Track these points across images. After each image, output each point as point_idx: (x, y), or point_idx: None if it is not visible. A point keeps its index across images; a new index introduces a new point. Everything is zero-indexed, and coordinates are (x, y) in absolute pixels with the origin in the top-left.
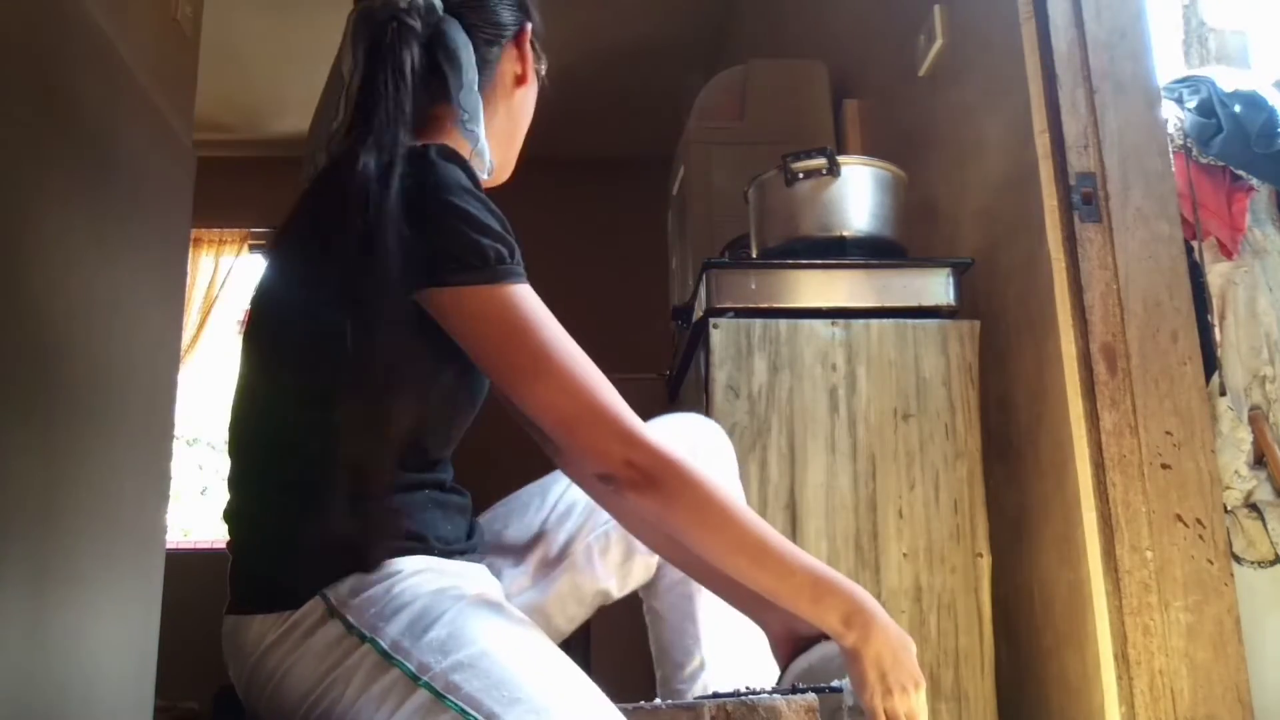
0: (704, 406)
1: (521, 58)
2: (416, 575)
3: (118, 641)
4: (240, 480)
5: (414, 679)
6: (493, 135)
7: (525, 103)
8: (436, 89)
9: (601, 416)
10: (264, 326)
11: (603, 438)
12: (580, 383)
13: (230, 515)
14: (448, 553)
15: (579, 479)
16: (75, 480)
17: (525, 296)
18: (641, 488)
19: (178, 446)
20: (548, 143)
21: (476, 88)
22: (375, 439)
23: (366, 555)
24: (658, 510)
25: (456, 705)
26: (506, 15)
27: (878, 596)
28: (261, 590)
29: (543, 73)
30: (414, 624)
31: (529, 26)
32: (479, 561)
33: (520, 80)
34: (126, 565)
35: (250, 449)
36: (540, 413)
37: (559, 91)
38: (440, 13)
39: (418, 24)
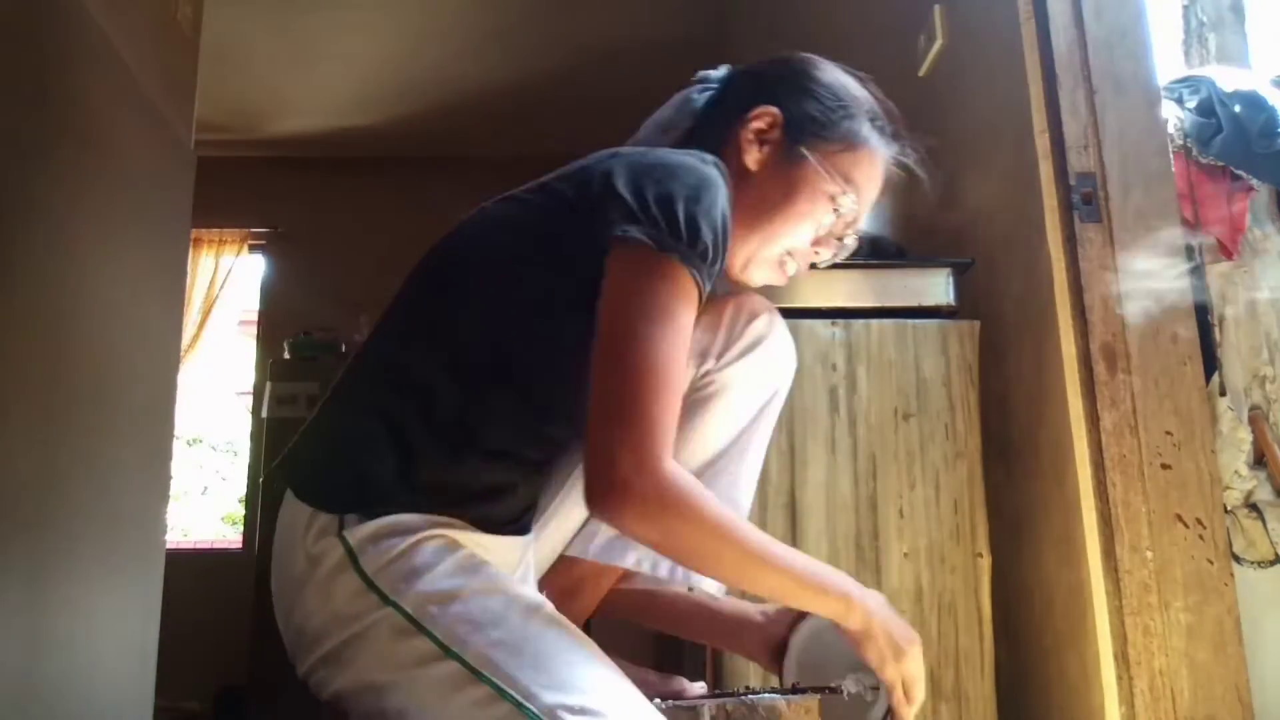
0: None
1: (755, 143)
2: (443, 541)
3: (118, 641)
4: (341, 391)
5: (443, 649)
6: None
7: (750, 196)
8: None
9: (640, 425)
10: (456, 258)
11: (625, 442)
12: (649, 385)
13: (317, 416)
14: (487, 527)
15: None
16: (75, 480)
17: (684, 289)
18: (636, 519)
19: (178, 446)
20: (547, 142)
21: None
22: (495, 392)
23: (397, 502)
24: (655, 540)
25: (492, 681)
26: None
27: None
28: (307, 476)
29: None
30: (438, 590)
31: (769, 107)
32: (524, 534)
33: (746, 170)
34: (126, 565)
35: (369, 367)
36: (598, 385)
37: (559, 91)
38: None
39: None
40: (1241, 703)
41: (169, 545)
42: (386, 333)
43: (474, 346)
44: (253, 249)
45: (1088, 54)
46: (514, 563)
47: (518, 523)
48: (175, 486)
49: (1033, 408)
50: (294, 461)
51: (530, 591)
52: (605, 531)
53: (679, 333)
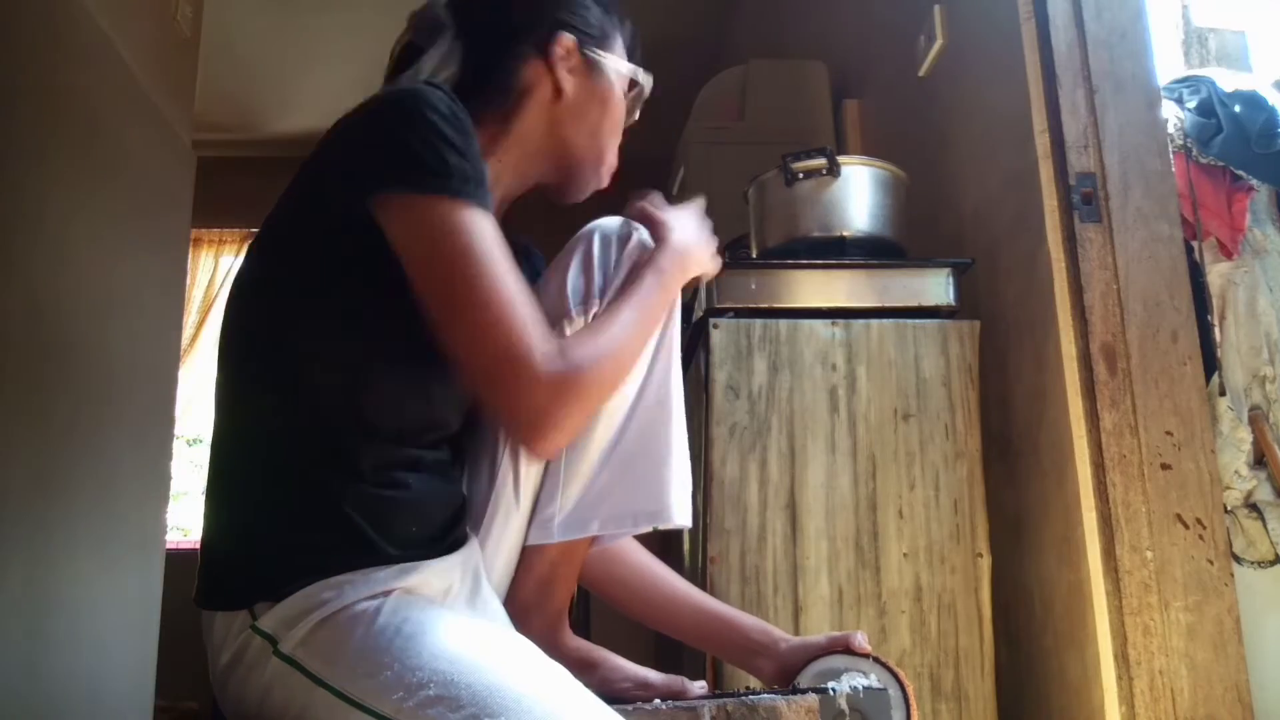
0: (704, 407)
1: (564, 71)
2: (360, 601)
3: (118, 641)
4: (207, 488)
5: None
6: (524, 151)
7: (571, 122)
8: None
9: (498, 345)
10: (231, 319)
11: (497, 372)
12: (494, 312)
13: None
14: (408, 556)
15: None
16: (75, 480)
17: (471, 218)
18: (557, 416)
19: (178, 446)
20: None
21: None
22: (351, 409)
23: (298, 572)
24: (585, 416)
25: None
26: (518, 18)
27: (878, 597)
28: (207, 583)
29: (618, 83)
30: (365, 660)
31: (562, 35)
32: (456, 550)
33: (557, 98)
34: (126, 565)
35: (218, 445)
36: (462, 352)
37: None
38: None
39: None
40: (1241, 703)
41: (169, 545)
42: (226, 396)
43: (311, 378)
44: None
45: (1088, 54)
46: (449, 583)
47: (447, 537)
48: (175, 486)
49: (1033, 408)
50: (197, 577)
51: (464, 623)
52: (562, 509)
53: (494, 257)
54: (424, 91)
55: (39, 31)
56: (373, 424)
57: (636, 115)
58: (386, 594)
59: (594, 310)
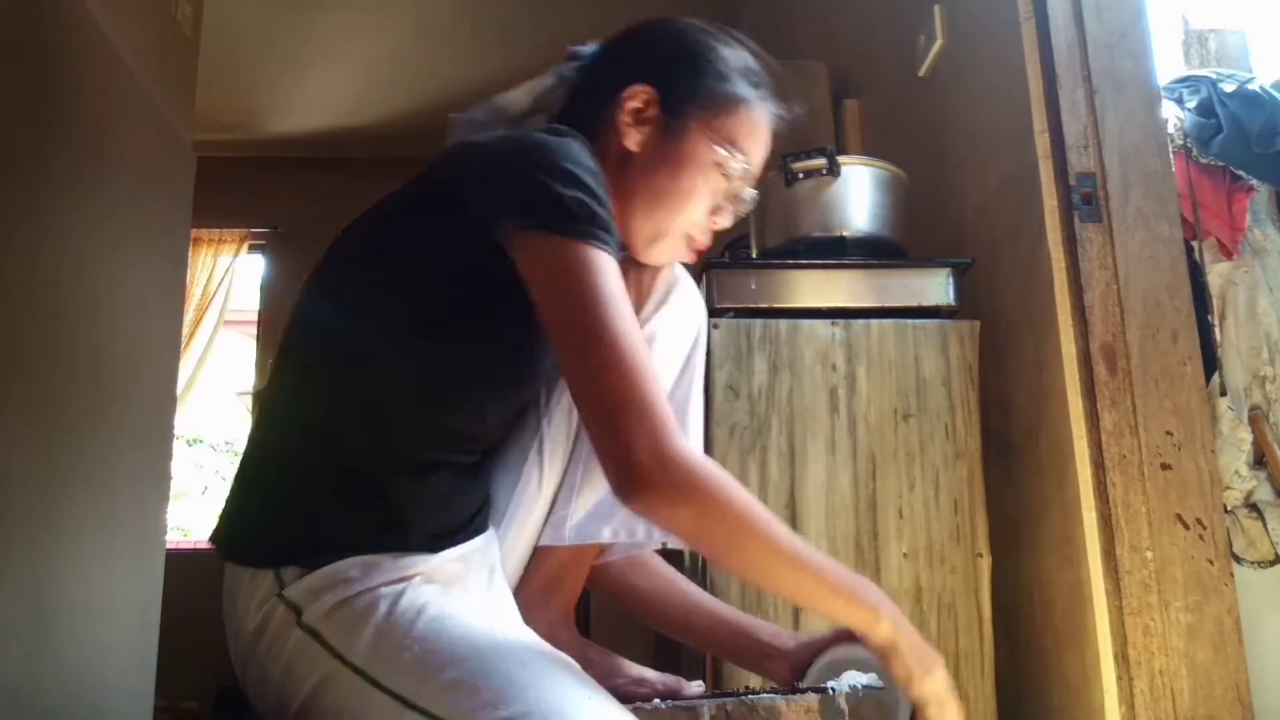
0: (704, 407)
1: (633, 125)
2: (385, 584)
3: (118, 641)
4: (255, 439)
5: (403, 703)
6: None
7: (638, 179)
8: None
9: (643, 412)
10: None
11: (637, 436)
12: (633, 372)
13: (238, 470)
14: (434, 547)
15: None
16: (75, 480)
17: (608, 266)
18: (669, 502)
19: (178, 446)
20: None
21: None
22: (407, 408)
23: (328, 549)
24: (687, 526)
25: None
26: (626, 67)
27: None
28: (237, 537)
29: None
30: (384, 640)
31: (637, 85)
32: (477, 537)
33: (628, 151)
34: (126, 565)
35: (271, 414)
36: (583, 389)
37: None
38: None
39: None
40: (1241, 703)
41: (169, 545)
42: (287, 371)
43: (375, 371)
44: (252, 249)
45: (1088, 54)
46: (468, 571)
47: (467, 529)
48: (175, 486)
49: (1033, 408)
50: (223, 524)
51: (484, 607)
52: (576, 513)
53: (624, 306)
54: (563, 140)
55: (39, 31)
56: (429, 429)
57: (728, 214)
58: (410, 578)
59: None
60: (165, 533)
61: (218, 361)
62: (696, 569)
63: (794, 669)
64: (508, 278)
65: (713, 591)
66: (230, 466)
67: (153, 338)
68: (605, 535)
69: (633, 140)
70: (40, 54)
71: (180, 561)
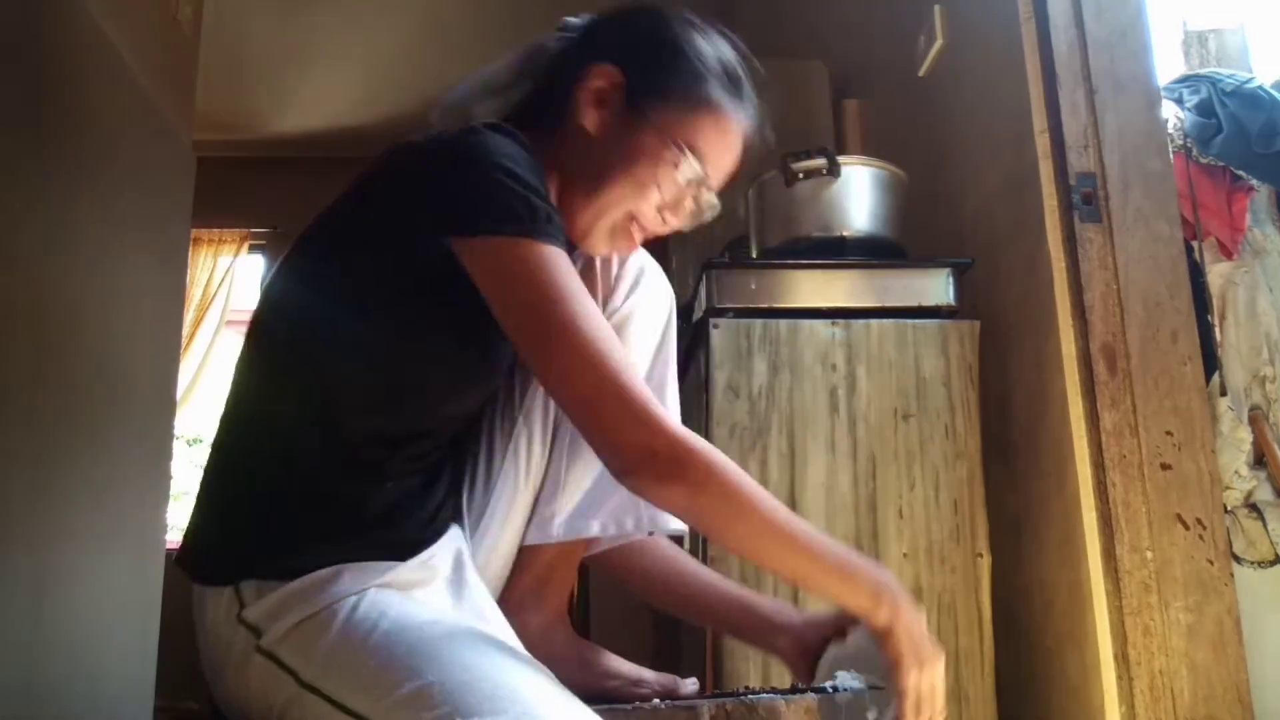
0: (704, 407)
1: (592, 104)
2: (344, 596)
3: (118, 641)
4: (211, 457)
5: None
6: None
7: (586, 160)
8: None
9: (623, 397)
10: (277, 303)
11: (623, 420)
12: (604, 360)
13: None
14: (394, 554)
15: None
16: (75, 480)
17: (558, 260)
18: (664, 478)
19: (178, 446)
20: None
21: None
22: (355, 412)
23: (284, 560)
24: (682, 502)
25: None
26: (584, 50)
27: None
28: (195, 554)
29: (685, 178)
30: (340, 657)
31: (605, 66)
32: (438, 539)
33: (584, 130)
34: (126, 565)
35: (226, 422)
36: (558, 386)
37: None
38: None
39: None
40: (1241, 703)
41: (169, 545)
42: (240, 386)
43: (322, 377)
44: (252, 249)
45: (1088, 54)
46: (432, 576)
47: (425, 533)
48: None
49: (1033, 408)
50: (186, 541)
51: (443, 615)
52: (562, 510)
53: (583, 297)
54: (492, 138)
55: (39, 32)
56: (382, 432)
57: (681, 216)
58: (365, 590)
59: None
60: (165, 533)
61: (219, 362)
62: (698, 547)
63: (799, 645)
64: (457, 276)
65: (714, 569)
66: None
67: (152, 338)
68: (594, 529)
69: (589, 119)
70: (40, 54)
71: None
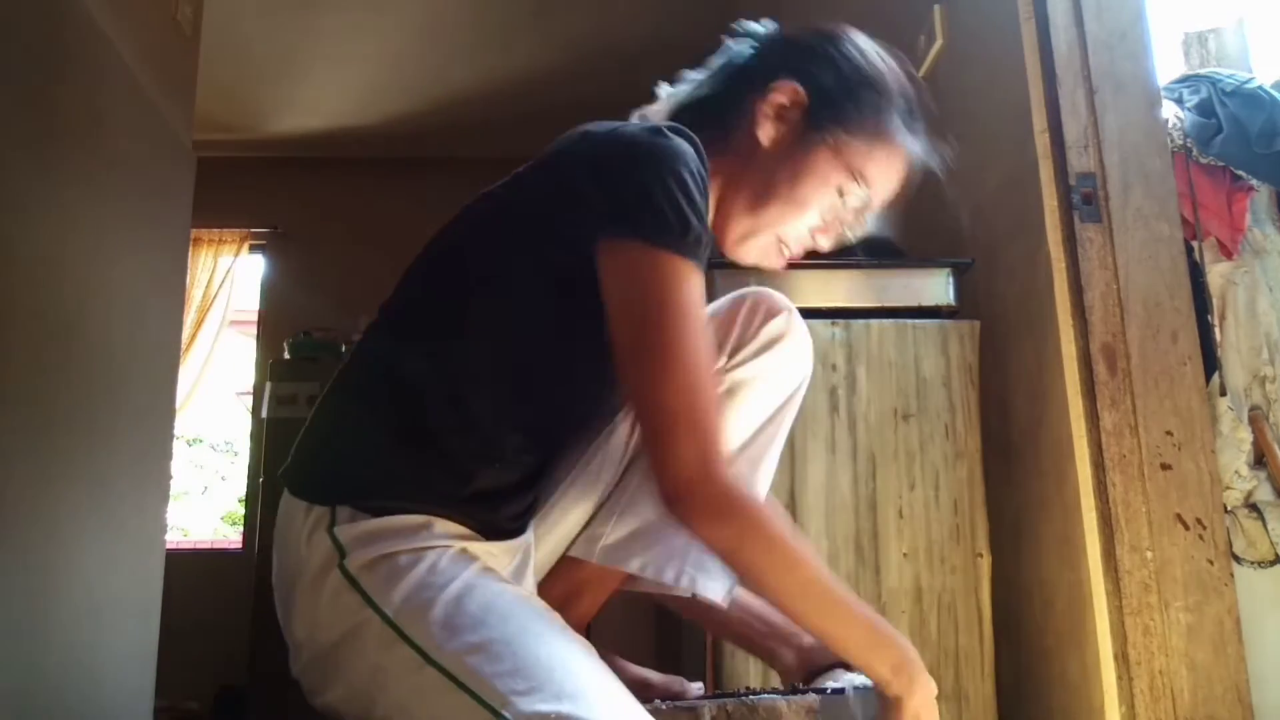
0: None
1: (771, 118)
2: (431, 543)
3: (118, 641)
4: (337, 386)
5: (423, 657)
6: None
7: (755, 172)
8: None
9: (695, 427)
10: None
11: (687, 448)
12: (693, 385)
13: (314, 411)
14: (485, 533)
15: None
16: (75, 480)
17: (691, 280)
18: (711, 515)
19: (178, 446)
20: (547, 143)
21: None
22: (490, 387)
23: (385, 500)
24: (727, 545)
25: (469, 689)
26: (774, 60)
27: (877, 597)
28: (300, 471)
29: (851, 202)
30: (418, 595)
31: (792, 84)
32: (519, 535)
33: (757, 142)
34: (126, 565)
35: (365, 363)
36: (640, 393)
37: (559, 91)
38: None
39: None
40: (1241, 703)
41: (169, 545)
42: (382, 329)
43: (468, 344)
44: (253, 249)
45: (1088, 54)
46: (507, 562)
47: (515, 525)
48: (175, 486)
49: (1033, 408)
50: (291, 459)
51: (517, 590)
52: (611, 535)
53: (700, 322)
54: (675, 143)
55: (39, 31)
56: (508, 415)
57: (832, 236)
58: (452, 547)
59: (718, 364)
60: (165, 533)
61: (220, 362)
62: None
63: (804, 663)
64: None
65: None
66: (230, 467)
67: (153, 337)
68: (633, 567)
69: (765, 133)
70: (40, 54)
71: (180, 561)
